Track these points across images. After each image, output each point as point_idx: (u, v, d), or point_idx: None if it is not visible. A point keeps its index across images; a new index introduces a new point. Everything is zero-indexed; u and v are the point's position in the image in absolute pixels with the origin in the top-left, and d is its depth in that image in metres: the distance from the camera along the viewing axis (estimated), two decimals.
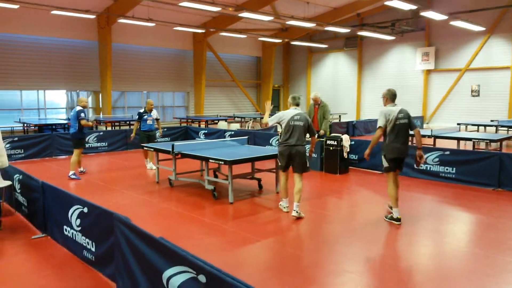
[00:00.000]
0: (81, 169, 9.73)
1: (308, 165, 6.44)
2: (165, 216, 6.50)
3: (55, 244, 5.15)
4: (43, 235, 5.44)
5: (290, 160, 6.37)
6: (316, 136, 6.71)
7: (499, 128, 14.73)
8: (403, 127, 5.94)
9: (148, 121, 10.21)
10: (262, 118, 21.21)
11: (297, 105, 6.53)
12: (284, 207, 6.57)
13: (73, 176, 9.07)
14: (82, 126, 9.08)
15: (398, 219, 5.92)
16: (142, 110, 10.31)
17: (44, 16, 17.68)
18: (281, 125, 6.44)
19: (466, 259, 4.76)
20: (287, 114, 6.39)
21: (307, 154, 6.54)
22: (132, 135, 10.45)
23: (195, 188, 8.25)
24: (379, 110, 6.08)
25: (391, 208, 6.23)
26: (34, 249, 5.08)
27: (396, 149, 5.93)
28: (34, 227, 5.76)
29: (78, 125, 9.04)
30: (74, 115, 9.05)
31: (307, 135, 6.57)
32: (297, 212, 6.21)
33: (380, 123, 5.95)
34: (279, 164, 6.54)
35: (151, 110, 10.29)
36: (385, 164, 6.04)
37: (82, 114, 8.99)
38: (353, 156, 10.19)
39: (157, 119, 10.51)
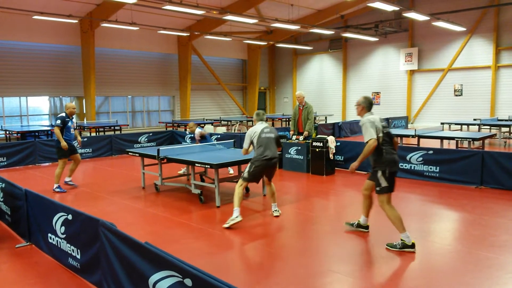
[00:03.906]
0: (68, 180, 8.96)
1: None
2: (151, 221, 6.46)
3: (40, 252, 5.09)
4: (28, 243, 5.36)
5: (265, 172, 6.44)
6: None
7: (482, 127, 14.99)
8: (390, 136, 5.15)
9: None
10: (248, 121, 21.40)
11: (262, 120, 6.62)
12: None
13: (57, 190, 8.42)
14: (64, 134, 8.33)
15: (414, 245, 4.94)
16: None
17: (25, 21, 17.45)
18: (253, 142, 6.45)
19: (450, 256, 4.84)
20: (256, 129, 6.44)
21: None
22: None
23: (181, 193, 8.21)
24: (361, 121, 5.13)
25: (362, 227, 5.65)
26: (19, 258, 5.00)
27: (397, 161, 5.08)
28: (18, 235, 5.67)
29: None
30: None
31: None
32: (277, 210, 6.59)
33: (372, 134, 4.95)
34: (250, 176, 6.24)
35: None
36: (384, 183, 4.96)
37: (58, 121, 8.30)
38: (339, 157, 10.27)
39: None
